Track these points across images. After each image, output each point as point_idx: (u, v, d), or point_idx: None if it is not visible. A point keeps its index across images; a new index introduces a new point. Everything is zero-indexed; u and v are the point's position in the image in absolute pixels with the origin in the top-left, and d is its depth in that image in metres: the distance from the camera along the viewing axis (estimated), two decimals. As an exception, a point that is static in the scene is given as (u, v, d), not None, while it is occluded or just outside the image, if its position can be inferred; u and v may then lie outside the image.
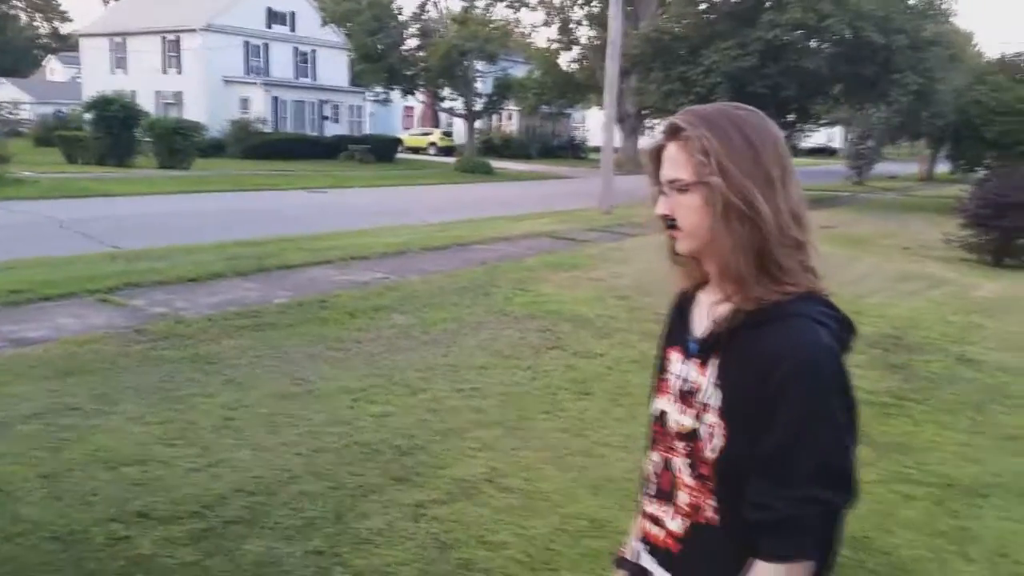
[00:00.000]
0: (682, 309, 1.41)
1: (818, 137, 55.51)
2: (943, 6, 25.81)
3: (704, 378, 1.28)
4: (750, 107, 1.31)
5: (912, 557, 3.48)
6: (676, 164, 1.27)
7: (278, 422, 4.60)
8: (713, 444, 1.24)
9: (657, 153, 1.33)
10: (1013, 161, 18.21)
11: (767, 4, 24.36)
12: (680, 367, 1.36)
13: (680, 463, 1.31)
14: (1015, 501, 4.04)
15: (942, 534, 3.67)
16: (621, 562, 1.54)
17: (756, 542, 1.21)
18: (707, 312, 1.32)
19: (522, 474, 4.08)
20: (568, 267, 10.26)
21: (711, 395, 1.26)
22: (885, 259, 12.07)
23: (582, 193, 21.72)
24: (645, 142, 42.47)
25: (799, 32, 23.22)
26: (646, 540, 1.41)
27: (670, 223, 1.30)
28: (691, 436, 1.29)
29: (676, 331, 1.41)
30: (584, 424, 4.82)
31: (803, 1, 22.46)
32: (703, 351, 1.30)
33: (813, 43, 24.04)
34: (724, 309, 1.27)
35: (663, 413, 1.37)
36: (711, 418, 1.25)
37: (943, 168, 45.88)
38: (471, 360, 5.99)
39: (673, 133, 1.28)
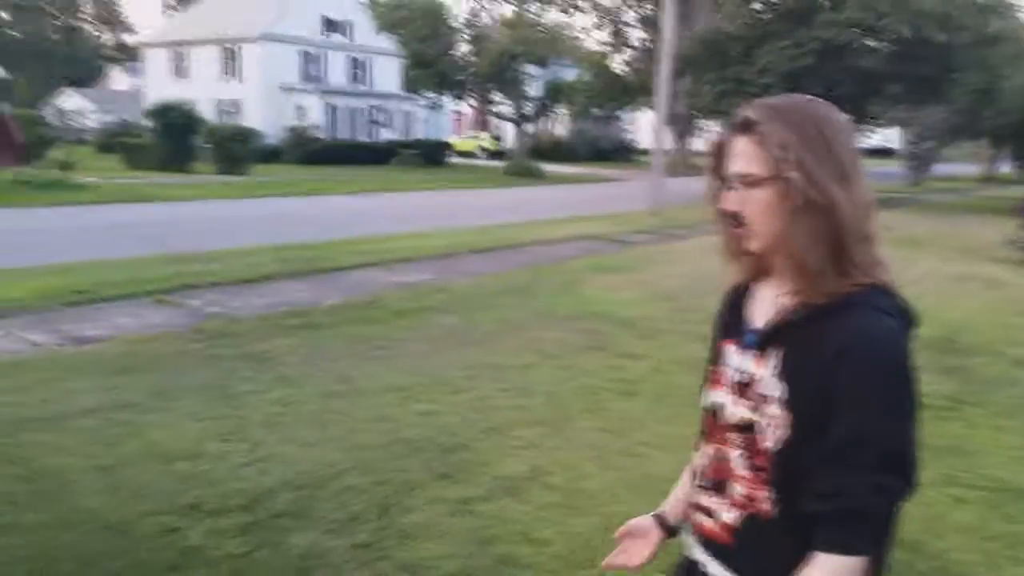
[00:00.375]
0: (737, 302, 1.40)
1: (875, 138, 54.31)
2: (1009, 0, 25.08)
3: (762, 369, 1.27)
4: (818, 99, 1.30)
5: (963, 561, 3.40)
6: (748, 158, 1.25)
7: (325, 419, 4.69)
8: (776, 435, 1.23)
9: (721, 147, 1.32)
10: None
11: (824, 3, 23.98)
12: (735, 359, 1.35)
13: (735, 455, 1.31)
14: (1072, 507, 3.92)
15: (995, 538, 3.58)
16: (658, 518, 1.55)
17: (818, 533, 1.20)
18: (768, 304, 1.31)
19: (564, 472, 4.10)
20: (614, 269, 10.23)
21: (772, 386, 1.25)
22: (942, 261, 11.77)
23: (631, 196, 21.63)
24: (696, 144, 42.14)
25: (856, 31, 22.79)
26: (697, 532, 1.41)
27: (738, 220, 1.28)
28: (747, 428, 1.29)
29: (731, 324, 1.40)
30: (626, 424, 4.81)
31: (860, -1, 22.07)
32: (762, 343, 1.29)
33: (871, 42, 23.58)
34: (791, 301, 1.26)
35: (718, 405, 1.37)
36: (773, 409, 1.24)
37: (1004, 169, 44.51)
38: (515, 360, 6.03)
39: (745, 127, 1.27)
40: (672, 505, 1.57)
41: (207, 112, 34.04)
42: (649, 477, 4.04)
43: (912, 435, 1.19)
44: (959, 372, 6.15)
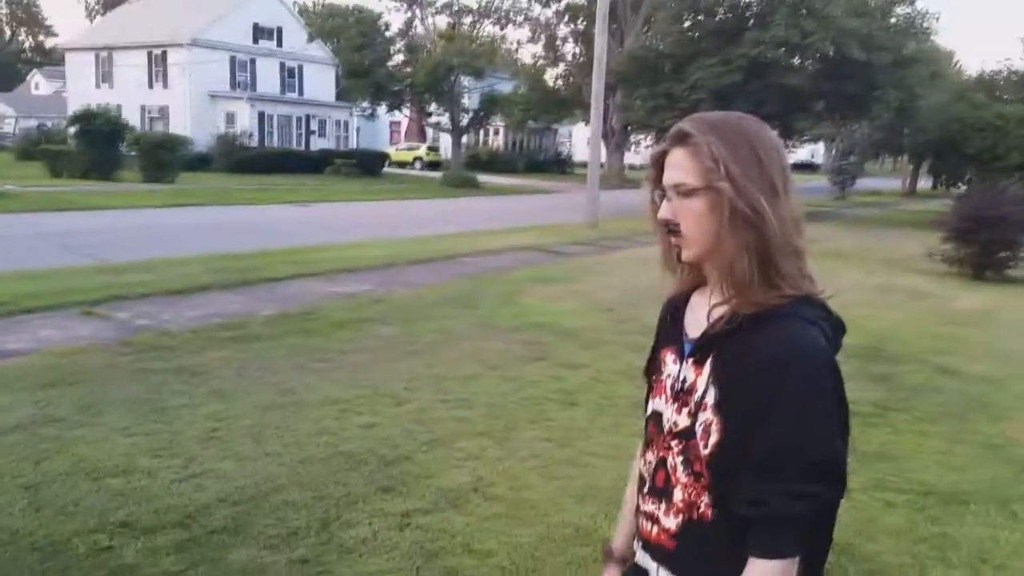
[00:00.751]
0: (675, 311, 1.43)
1: (801, 153, 56.05)
2: (924, 25, 26.24)
3: (700, 377, 1.30)
4: (752, 116, 1.34)
5: (894, 564, 3.51)
6: (683, 169, 1.29)
7: (263, 433, 4.59)
8: (709, 440, 1.26)
9: (660, 158, 1.34)
10: (993, 176, 18.46)
11: (751, 22, 24.68)
12: (674, 367, 1.38)
13: (675, 461, 1.33)
14: (994, 507, 4.08)
15: (923, 540, 3.71)
16: (609, 553, 1.57)
17: (749, 537, 1.23)
18: (703, 314, 1.34)
19: (508, 483, 4.09)
20: (554, 280, 10.30)
21: (708, 393, 1.28)
22: (867, 272, 12.20)
23: (568, 207, 21.82)
24: (630, 157, 42.79)
25: (782, 49, 23.52)
26: (642, 538, 1.43)
27: (673, 228, 1.32)
28: (685, 434, 1.31)
29: (670, 333, 1.43)
30: (570, 434, 4.83)
31: (787, 19, 22.77)
32: (699, 351, 1.32)
33: (796, 60, 24.36)
34: (722, 310, 1.29)
35: (658, 413, 1.40)
36: (707, 415, 1.27)
37: (925, 184, 46.46)
38: (457, 371, 6.00)
39: (680, 139, 1.30)
40: (621, 536, 1.60)
41: (133, 118, 33.13)
42: (593, 486, 4.07)
43: (839, 443, 1.22)
44: (886, 380, 6.37)
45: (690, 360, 1.34)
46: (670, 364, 1.39)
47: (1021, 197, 13.69)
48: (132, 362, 5.79)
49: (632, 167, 43.42)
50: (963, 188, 20.04)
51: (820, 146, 55.53)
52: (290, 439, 4.51)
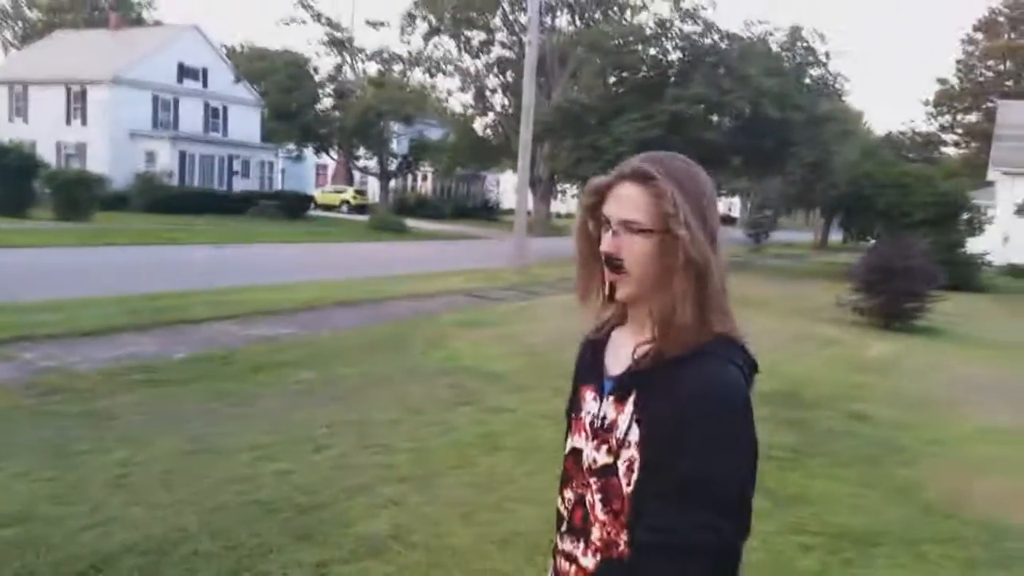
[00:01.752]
0: (595, 349, 1.43)
1: (719, 207, 57.78)
2: (836, 85, 27.63)
3: (621, 415, 1.30)
4: (694, 163, 1.36)
5: (809, 605, 3.57)
6: (635, 207, 1.29)
7: (174, 479, 4.41)
8: (632, 478, 1.26)
9: (604, 189, 1.34)
10: (899, 230, 19.36)
11: (672, 79, 25.57)
12: (594, 405, 1.37)
13: (593, 499, 1.33)
14: (904, 549, 4.21)
15: (837, 582, 3.78)
16: None
17: (646, 564, 1.22)
18: (625, 351, 1.34)
19: (430, 530, 4.02)
20: (481, 324, 10.29)
21: (630, 431, 1.28)
22: (780, 321, 12.57)
23: (495, 253, 21.94)
24: (556, 206, 43.44)
25: (702, 106, 24.40)
26: None
27: (615, 263, 1.31)
28: (604, 472, 1.31)
29: (590, 370, 1.42)
30: (494, 479, 4.79)
31: (706, 77, 23.67)
32: (621, 388, 1.33)
33: (715, 117, 25.30)
34: (647, 348, 1.30)
35: (576, 451, 1.39)
36: (631, 452, 1.27)
37: (836, 237, 48.43)
38: (379, 416, 5.91)
39: (640, 178, 1.29)
40: None
41: (48, 155, 32.03)
42: (516, 532, 4.03)
43: (747, 484, 1.24)
44: (800, 425, 6.54)
45: (611, 397, 1.34)
46: (590, 401, 1.39)
47: (926, 250, 14.40)
48: (36, 405, 5.52)
49: (558, 215, 44.07)
50: (872, 241, 20.95)
51: (737, 200, 57.50)
52: (202, 486, 4.35)
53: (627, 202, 1.30)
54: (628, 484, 1.27)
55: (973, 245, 23.97)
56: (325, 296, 11.68)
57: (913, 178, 25.13)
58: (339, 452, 5.06)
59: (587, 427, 1.38)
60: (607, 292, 1.35)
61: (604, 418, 1.34)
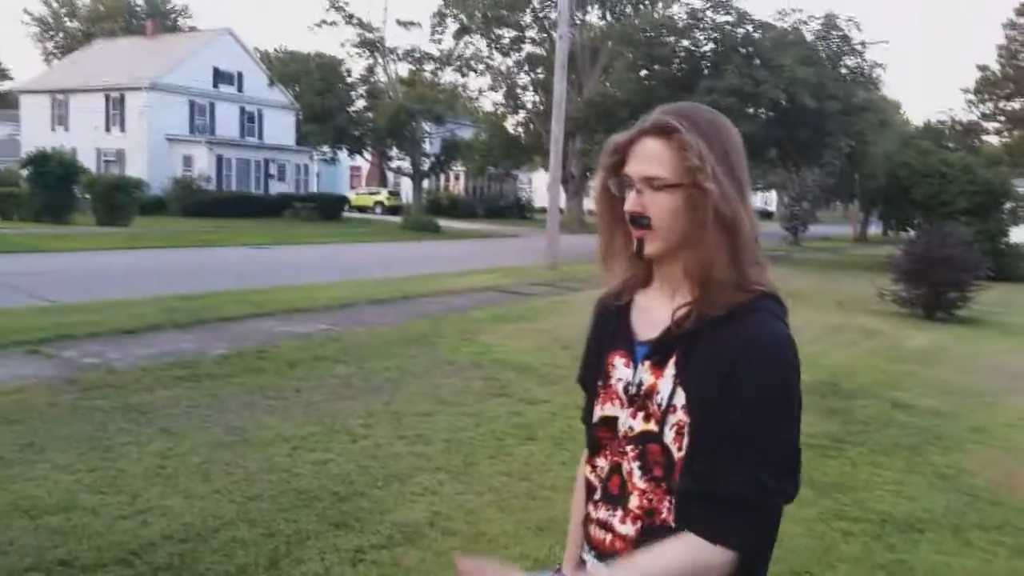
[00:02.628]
0: (619, 314, 1.39)
1: (755, 200, 57.20)
2: (873, 74, 27.17)
3: (661, 379, 1.27)
4: (723, 115, 1.32)
5: (852, 591, 3.50)
6: (659, 162, 1.25)
7: (211, 470, 4.45)
8: (683, 442, 1.23)
9: (625, 147, 1.30)
10: (939, 220, 18.98)
11: (705, 71, 25.32)
12: (626, 371, 1.34)
13: (631, 466, 1.29)
14: (947, 535, 4.11)
15: (880, 567, 3.70)
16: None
17: (685, 512, 1.20)
18: (657, 314, 1.31)
19: (466, 517, 4.02)
20: (514, 319, 10.28)
21: (675, 395, 1.24)
22: (820, 313, 12.38)
23: (528, 250, 21.93)
24: (589, 203, 43.28)
25: (735, 98, 24.13)
26: (594, 547, 1.37)
27: (642, 222, 1.27)
28: (642, 439, 1.28)
29: (616, 336, 1.38)
30: (529, 468, 4.77)
31: (739, 68, 23.40)
32: (658, 352, 1.29)
33: (750, 108, 25.00)
34: (687, 310, 1.26)
35: (610, 418, 1.35)
36: (677, 417, 1.24)
37: (875, 230, 47.65)
38: (415, 407, 5.92)
39: (662, 131, 1.25)
40: (571, 557, 1.52)
41: (88, 162, 32.73)
42: (552, 519, 4.01)
43: (796, 440, 1.21)
44: (841, 414, 6.43)
45: (647, 363, 1.30)
46: (621, 368, 1.35)
47: (967, 239, 14.11)
48: (77, 400, 5.61)
49: (591, 212, 43.89)
50: (912, 233, 20.56)
51: (773, 194, 56.81)
52: (239, 476, 4.38)
53: (650, 158, 1.26)
54: (679, 449, 1.23)
55: (1017, 234, 23.44)
56: (359, 294, 11.75)
57: (953, 167, 24.67)
58: (375, 442, 5.08)
59: (620, 394, 1.34)
60: (635, 249, 1.31)
61: (640, 384, 1.30)
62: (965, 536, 4.12)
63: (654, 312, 1.33)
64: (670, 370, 1.26)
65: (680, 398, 1.24)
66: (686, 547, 1.19)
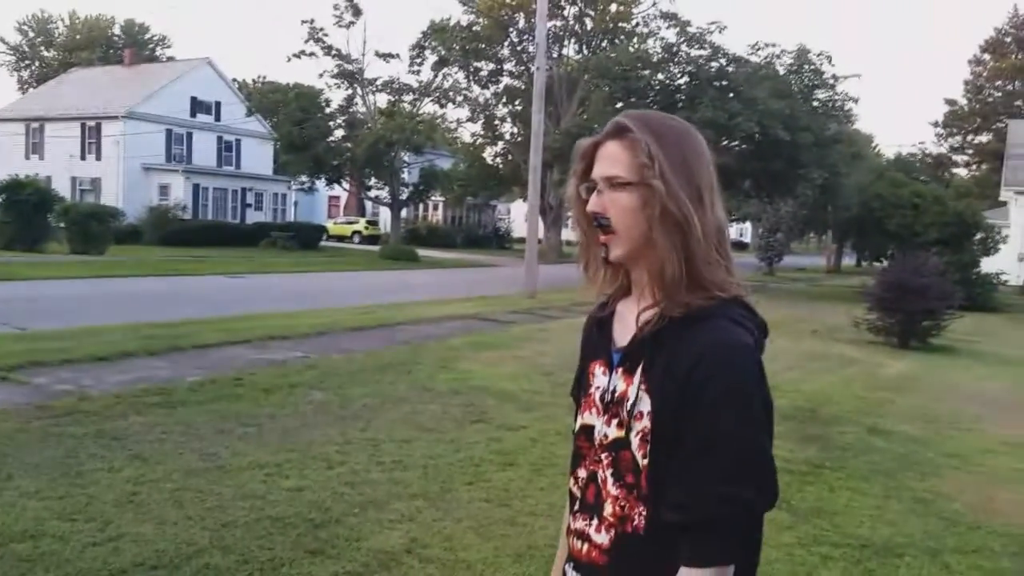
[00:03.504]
0: (601, 324, 1.40)
1: (731, 232, 57.67)
2: (845, 107, 27.68)
3: (631, 386, 1.27)
4: (688, 123, 1.34)
5: (833, 615, 3.48)
6: (616, 162, 1.28)
7: (184, 497, 4.37)
8: (646, 449, 1.22)
9: (591, 151, 1.33)
10: (912, 251, 19.24)
11: (680, 104, 25.66)
12: (603, 379, 1.34)
13: (605, 474, 1.29)
14: (926, 559, 4.11)
15: (861, 592, 3.69)
16: None
17: (680, 544, 1.19)
18: (631, 320, 1.31)
19: (443, 544, 3.97)
20: (493, 346, 10.25)
21: (640, 402, 1.24)
22: (797, 341, 12.46)
23: (506, 280, 21.94)
24: (567, 234, 43.49)
25: (709, 130, 24.45)
26: (573, 557, 1.36)
27: (602, 223, 1.29)
28: (615, 446, 1.27)
29: (597, 345, 1.39)
30: (508, 494, 4.73)
31: (714, 100, 23.76)
32: (628, 359, 1.29)
33: (724, 141, 25.34)
34: (650, 314, 1.27)
35: (588, 427, 1.36)
36: (644, 424, 1.23)
37: (848, 261, 48.24)
38: (392, 434, 5.86)
39: (617, 132, 1.29)
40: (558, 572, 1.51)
41: (64, 190, 32.45)
42: (532, 546, 3.97)
43: (764, 445, 1.20)
44: (819, 440, 6.45)
45: (620, 369, 1.30)
46: (599, 376, 1.36)
47: (940, 269, 14.30)
48: (48, 426, 5.49)
49: (569, 243, 44.09)
50: (886, 264, 20.85)
51: (748, 225, 57.42)
52: (213, 503, 4.31)
53: (609, 159, 1.30)
54: (644, 456, 1.23)
55: (988, 265, 23.80)
56: (336, 322, 11.68)
57: (924, 198, 25.05)
58: (352, 469, 5.01)
59: (597, 402, 1.34)
60: (603, 255, 1.32)
61: (614, 391, 1.30)
62: (943, 560, 4.12)
63: (628, 318, 1.34)
64: (638, 376, 1.26)
65: (645, 404, 1.24)
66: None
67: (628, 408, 1.26)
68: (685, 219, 1.23)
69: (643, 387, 1.25)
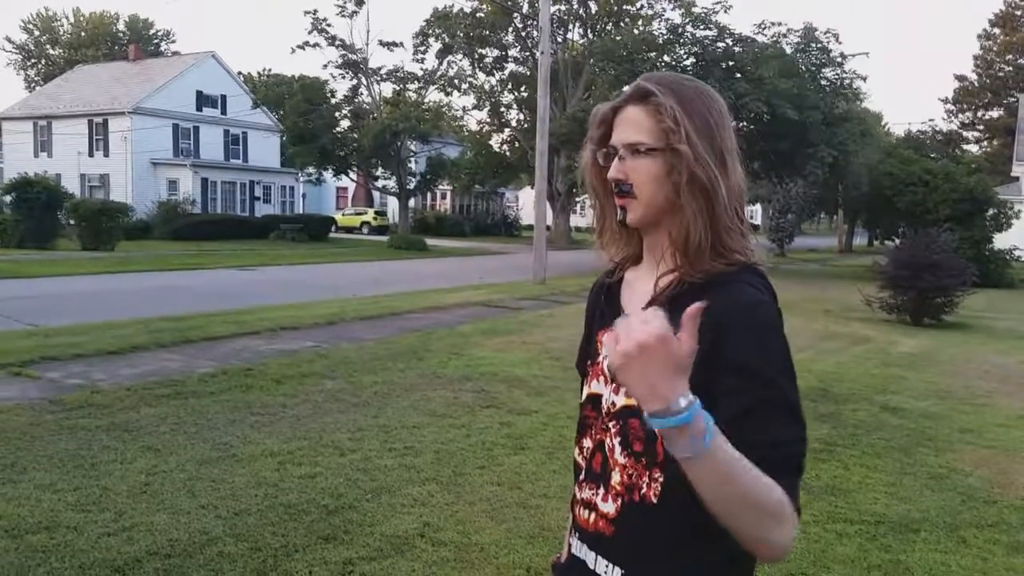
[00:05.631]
0: (609, 291, 1.39)
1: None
2: (854, 85, 27.43)
3: None
4: (704, 83, 1.31)
5: (849, 591, 3.46)
6: (639, 127, 1.25)
7: (198, 486, 4.38)
8: None
9: (610, 116, 1.30)
10: (924, 228, 19.10)
11: (687, 85, 25.46)
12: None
13: (612, 443, 1.27)
14: (942, 534, 4.08)
15: (876, 567, 3.67)
16: (556, 567, 1.48)
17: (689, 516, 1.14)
18: (643, 288, 1.29)
19: (457, 527, 3.96)
20: (502, 332, 10.24)
21: None
22: (809, 320, 12.40)
23: (515, 267, 21.91)
24: (576, 219, 43.43)
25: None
26: (579, 527, 1.34)
27: (623, 189, 1.27)
28: (623, 413, 1.25)
29: (606, 312, 1.37)
30: (520, 478, 4.72)
31: (721, 81, 23.57)
32: None
33: (732, 122, 25.19)
34: (670, 279, 1.25)
35: (595, 396, 1.34)
36: None
37: (860, 241, 47.97)
38: (404, 420, 5.86)
39: (640, 97, 1.26)
40: (568, 548, 1.47)
41: (72, 187, 32.56)
42: (544, 527, 3.97)
43: (798, 395, 1.18)
44: (832, 418, 6.41)
45: None
46: (607, 344, 1.33)
47: (952, 245, 14.19)
48: (61, 420, 5.52)
49: (578, 229, 43.99)
50: (897, 242, 20.72)
51: (758, 207, 57.11)
52: (226, 492, 4.32)
53: (631, 124, 1.26)
54: None
55: (1000, 241, 23.62)
56: (346, 311, 11.69)
57: (935, 175, 24.86)
58: (364, 456, 5.02)
59: (606, 370, 1.31)
60: (619, 218, 1.29)
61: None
62: (960, 535, 4.09)
63: (640, 285, 1.32)
64: None
65: None
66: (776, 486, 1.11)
67: None
68: (711, 185, 1.21)
69: None
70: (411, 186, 40.12)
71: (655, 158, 1.24)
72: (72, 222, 26.18)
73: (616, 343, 1.03)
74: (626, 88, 1.31)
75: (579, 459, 1.38)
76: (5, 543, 3.54)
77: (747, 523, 1.08)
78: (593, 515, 1.30)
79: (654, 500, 1.21)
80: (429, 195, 48.61)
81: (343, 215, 47.65)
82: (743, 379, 1.15)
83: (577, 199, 39.95)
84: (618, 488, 1.26)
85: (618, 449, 1.26)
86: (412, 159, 40.34)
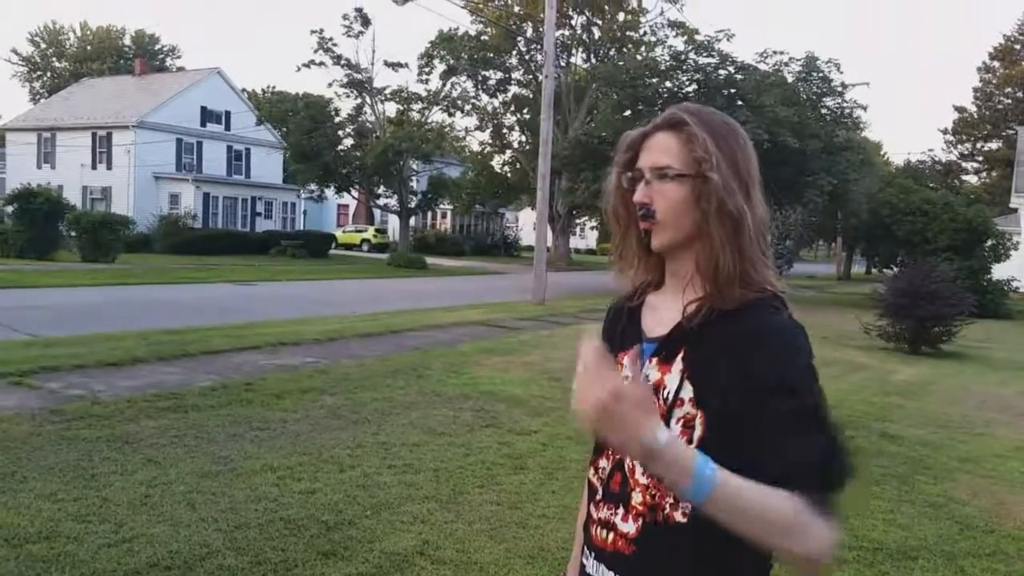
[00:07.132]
0: (630, 314, 1.41)
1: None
2: (854, 115, 27.62)
3: (668, 375, 1.27)
4: (730, 118, 1.36)
5: (847, 618, 3.46)
6: (668, 153, 1.28)
7: (198, 499, 4.39)
8: (692, 435, 1.22)
9: (639, 142, 1.34)
10: (922, 257, 19.17)
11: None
12: (633, 369, 1.35)
13: (633, 464, 1.28)
14: (940, 563, 4.09)
15: (875, 594, 3.68)
16: None
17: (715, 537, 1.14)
18: (667, 312, 1.32)
19: (456, 546, 3.97)
20: (502, 352, 10.25)
21: (682, 389, 1.25)
22: (808, 347, 12.40)
23: (515, 287, 21.94)
24: (576, 241, 43.55)
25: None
26: (596, 547, 1.35)
27: (648, 213, 1.30)
28: None
29: (626, 335, 1.39)
30: (519, 497, 4.73)
31: (722, 108, 23.71)
32: (665, 347, 1.29)
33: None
34: (696, 306, 1.28)
35: None
36: (686, 410, 1.23)
37: (858, 268, 48.07)
38: (403, 438, 5.87)
39: (673, 125, 1.30)
40: (575, 566, 1.49)
41: (75, 199, 32.63)
42: (543, 547, 3.98)
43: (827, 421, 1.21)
44: (830, 444, 6.41)
45: (654, 360, 1.30)
46: (628, 366, 1.34)
47: (951, 275, 14.25)
48: (61, 430, 5.53)
49: (578, 251, 44.11)
50: (896, 270, 20.79)
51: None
52: (226, 505, 4.32)
53: (660, 150, 1.30)
54: (688, 441, 1.22)
55: (999, 272, 23.69)
56: (346, 328, 11.71)
57: (934, 205, 24.98)
58: (364, 472, 5.02)
59: None
60: (644, 241, 1.33)
61: (646, 380, 1.28)
62: (959, 564, 4.10)
63: (663, 310, 1.34)
64: (677, 365, 1.26)
65: (688, 391, 1.24)
66: (791, 499, 1.11)
67: (666, 395, 1.26)
68: (739, 214, 1.25)
69: (685, 375, 1.25)
70: (412, 205, 40.26)
71: (682, 184, 1.27)
72: (73, 234, 26.23)
73: (578, 405, 1.11)
74: (658, 117, 1.35)
75: (594, 479, 1.39)
76: (5, 552, 3.55)
77: (768, 538, 1.11)
78: (612, 535, 1.31)
79: (681, 519, 1.22)
80: (430, 214, 48.76)
81: (343, 232, 47.75)
82: (778, 397, 1.17)
83: (577, 221, 40.14)
84: (639, 508, 1.27)
85: (639, 469, 1.27)
86: (414, 178, 40.49)
